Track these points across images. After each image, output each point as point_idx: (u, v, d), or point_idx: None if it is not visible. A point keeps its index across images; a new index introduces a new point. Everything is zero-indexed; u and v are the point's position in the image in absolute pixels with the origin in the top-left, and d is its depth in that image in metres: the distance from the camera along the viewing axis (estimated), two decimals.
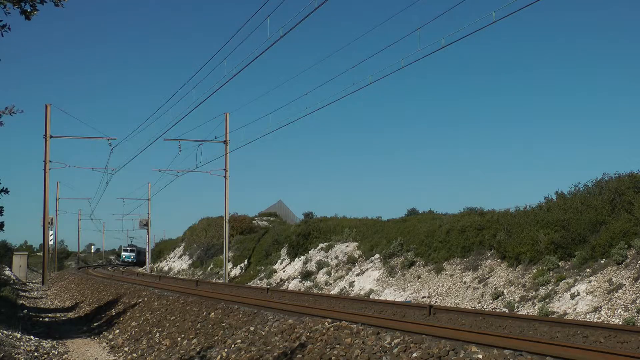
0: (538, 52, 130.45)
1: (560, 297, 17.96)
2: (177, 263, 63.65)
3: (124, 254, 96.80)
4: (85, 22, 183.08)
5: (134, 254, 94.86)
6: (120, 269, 75.27)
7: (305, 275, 33.27)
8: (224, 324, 12.92)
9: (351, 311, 13.89)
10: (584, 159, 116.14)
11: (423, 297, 23.41)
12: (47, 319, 21.88)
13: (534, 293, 19.12)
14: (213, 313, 14.16)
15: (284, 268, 37.49)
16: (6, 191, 12.29)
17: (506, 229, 23.04)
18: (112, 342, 15.59)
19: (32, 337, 15.40)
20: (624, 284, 16.62)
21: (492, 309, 19.29)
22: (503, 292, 20.34)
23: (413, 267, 26.59)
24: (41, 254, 57.56)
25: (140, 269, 74.21)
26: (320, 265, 32.99)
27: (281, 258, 39.34)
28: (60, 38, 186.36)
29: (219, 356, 10.88)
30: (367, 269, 29.33)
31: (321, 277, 31.93)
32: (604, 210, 19.92)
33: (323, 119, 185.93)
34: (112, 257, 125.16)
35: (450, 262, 24.89)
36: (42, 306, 28.51)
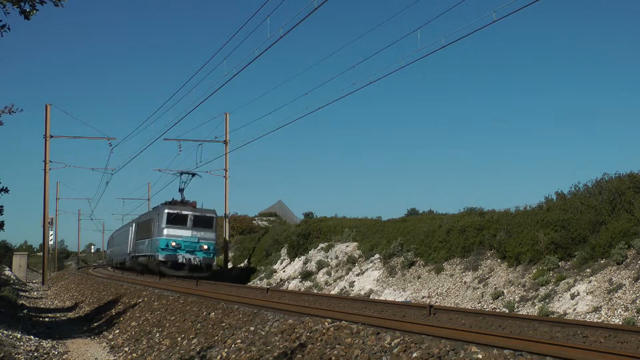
0: (538, 51, 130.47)
1: (560, 297, 17.96)
2: None
3: (174, 240, 31.22)
4: (85, 22, 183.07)
5: (211, 244, 32.25)
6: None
7: (305, 275, 33.25)
8: (224, 324, 12.91)
9: (351, 311, 13.88)
10: (584, 159, 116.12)
11: (423, 297, 23.39)
12: (47, 319, 21.87)
13: (534, 293, 19.11)
14: (213, 313, 14.16)
15: (284, 268, 37.48)
16: (6, 190, 12.31)
17: (506, 229, 23.03)
18: (112, 342, 15.58)
19: (32, 337, 15.39)
20: (624, 284, 16.62)
21: (492, 309, 19.28)
22: (503, 292, 20.33)
23: (413, 267, 26.58)
24: (41, 254, 57.57)
25: None
26: (320, 265, 32.97)
27: (281, 258, 39.32)
28: (60, 38, 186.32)
29: (219, 356, 10.87)
30: (367, 269, 29.32)
31: (321, 277, 31.91)
32: (604, 210, 19.90)
33: (323, 119, 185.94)
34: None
35: (450, 262, 24.89)
36: (42, 306, 28.51)
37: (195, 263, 31.23)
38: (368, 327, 9.74)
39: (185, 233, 31.44)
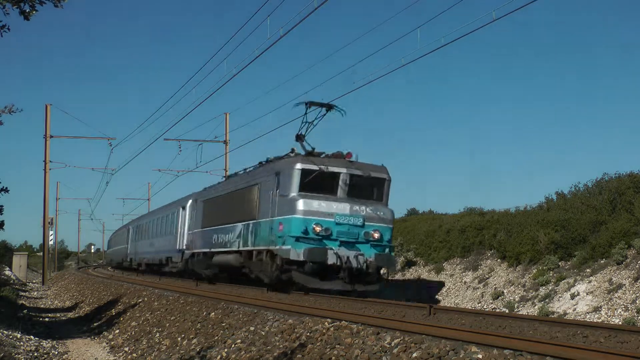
0: (538, 51, 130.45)
1: (560, 297, 17.96)
2: None
3: (319, 222, 16.24)
4: (85, 22, 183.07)
5: (386, 230, 17.01)
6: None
7: None
8: (224, 324, 12.91)
9: (351, 311, 13.86)
10: (584, 159, 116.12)
11: None
12: (47, 319, 21.88)
13: (534, 293, 19.11)
14: (213, 313, 14.16)
15: None
16: (6, 190, 12.31)
17: (506, 229, 23.04)
18: (112, 342, 15.58)
19: (32, 337, 15.40)
20: (624, 284, 16.62)
21: (492, 309, 19.29)
22: (503, 292, 20.33)
23: (413, 267, 26.58)
24: (41, 254, 57.58)
25: None
26: None
27: None
28: (61, 38, 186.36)
29: (219, 356, 10.87)
30: None
31: None
32: (604, 210, 19.91)
33: (322, 118, 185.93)
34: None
35: (450, 262, 24.89)
36: (42, 306, 28.52)
37: (360, 265, 16.71)
38: (368, 327, 9.73)
39: (338, 208, 16.80)
